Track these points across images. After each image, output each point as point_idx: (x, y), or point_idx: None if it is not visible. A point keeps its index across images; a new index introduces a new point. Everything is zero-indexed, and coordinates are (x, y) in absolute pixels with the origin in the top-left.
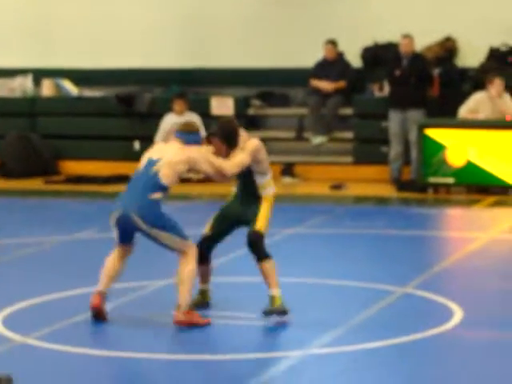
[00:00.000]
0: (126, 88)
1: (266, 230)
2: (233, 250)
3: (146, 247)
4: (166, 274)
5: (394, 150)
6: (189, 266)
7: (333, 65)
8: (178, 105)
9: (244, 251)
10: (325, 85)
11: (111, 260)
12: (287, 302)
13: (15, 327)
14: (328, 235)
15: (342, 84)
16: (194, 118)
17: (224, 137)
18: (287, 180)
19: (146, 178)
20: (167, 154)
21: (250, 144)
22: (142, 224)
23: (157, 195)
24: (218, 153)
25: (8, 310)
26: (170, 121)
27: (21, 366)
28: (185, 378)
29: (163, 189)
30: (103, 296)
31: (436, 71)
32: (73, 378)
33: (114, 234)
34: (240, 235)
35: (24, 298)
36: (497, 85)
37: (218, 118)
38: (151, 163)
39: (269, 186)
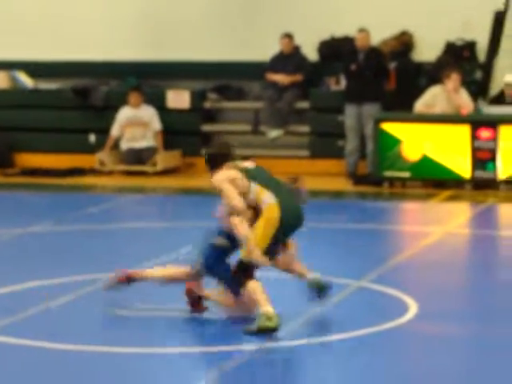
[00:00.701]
0: (82, 80)
1: (261, 247)
2: None
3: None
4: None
5: (350, 143)
6: None
7: (289, 58)
8: (133, 98)
9: None
10: (281, 78)
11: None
12: None
13: None
14: None
15: (298, 77)
16: (150, 111)
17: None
18: None
19: None
20: None
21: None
22: None
23: None
24: None
25: None
26: (125, 114)
27: None
28: (139, 370)
29: None
30: None
31: (392, 65)
32: (28, 372)
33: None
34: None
35: None
36: (454, 79)
37: (173, 111)
38: None
39: (263, 197)
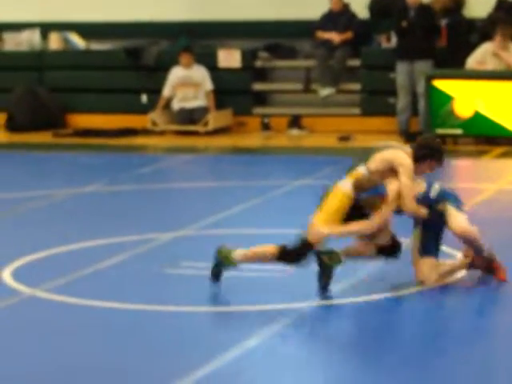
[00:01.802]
0: (134, 41)
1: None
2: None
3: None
4: (173, 226)
5: (402, 101)
6: None
7: (339, 16)
8: (184, 58)
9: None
10: (332, 36)
11: None
12: None
13: (24, 280)
14: None
15: (348, 35)
16: (202, 71)
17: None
18: (295, 132)
19: None
20: None
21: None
22: None
23: None
24: None
25: (17, 263)
26: (176, 74)
27: (30, 318)
28: (191, 328)
29: None
30: None
31: (443, 22)
32: (82, 330)
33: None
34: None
35: (33, 250)
36: (502, 36)
37: (224, 70)
38: None
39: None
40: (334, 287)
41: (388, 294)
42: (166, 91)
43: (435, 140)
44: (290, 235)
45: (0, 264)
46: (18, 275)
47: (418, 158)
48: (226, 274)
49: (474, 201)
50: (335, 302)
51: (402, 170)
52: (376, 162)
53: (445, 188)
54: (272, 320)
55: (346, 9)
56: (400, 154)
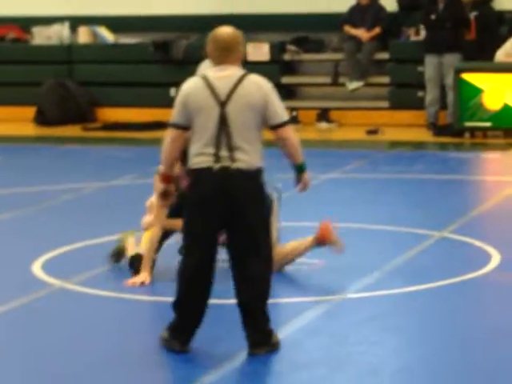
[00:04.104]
0: (162, 34)
1: None
2: None
3: None
4: None
5: (431, 94)
6: None
7: (367, 9)
8: None
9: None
10: (360, 33)
11: None
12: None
13: (55, 272)
14: (364, 180)
15: (376, 31)
16: None
17: None
18: (323, 125)
19: None
20: None
21: None
22: None
23: None
24: None
25: (48, 256)
26: (205, 67)
27: (60, 310)
28: (223, 319)
29: None
30: None
31: (472, 14)
32: (112, 323)
33: None
34: None
35: (63, 243)
36: None
37: (253, 63)
38: None
39: None
40: (367, 279)
41: (422, 286)
42: None
43: None
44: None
45: (30, 257)
46: (48, 268)
47: None
48: None
49: (503, 194)
50: (364, 294)
51: None
52: None
53: None
54: (302, 312)
55: (373, 2)
56: None
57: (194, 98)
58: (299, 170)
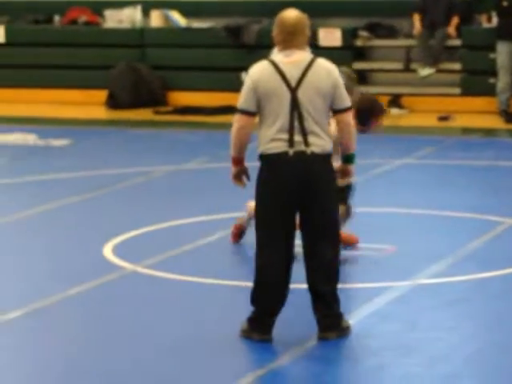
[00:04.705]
0: (234, 19)
1: None
2: None
3: None
4: None
5: (502, 81)
6: None
7: None
8: None
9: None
10: (450, 31)
11: None
12: (395, 232)
13: (125, 256)
14: (436, 166)
15: (456, 20)
16: None
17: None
18: (394, 111)
19: None
20: None
21: None
22: None
23: None
24: None
25: (118, 239)
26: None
27: (131, 293)
28: (294, 304)
29: None
30: None
31: None
32: (182, 306)
33: None
34: None
35: (134, 227)
36: None
37: (325, 48)
38: None
39: None
40: (439, 265)
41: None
42: None
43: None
44: (392, 214)
45: (101, 240)
46: (118, 251)
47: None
48: None
49: None
50: (436, 280)
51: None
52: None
53: None
54: (373, 298)
55: None
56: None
57: (264, 83)
58: (347, 159)
